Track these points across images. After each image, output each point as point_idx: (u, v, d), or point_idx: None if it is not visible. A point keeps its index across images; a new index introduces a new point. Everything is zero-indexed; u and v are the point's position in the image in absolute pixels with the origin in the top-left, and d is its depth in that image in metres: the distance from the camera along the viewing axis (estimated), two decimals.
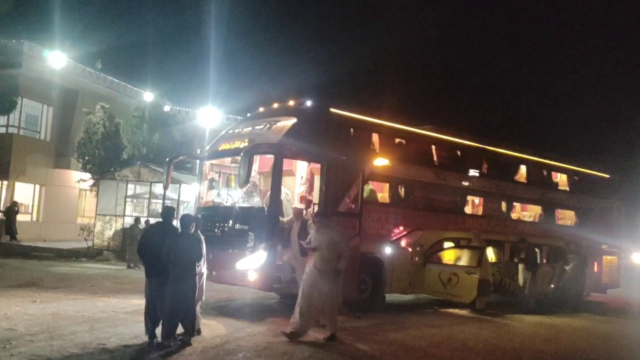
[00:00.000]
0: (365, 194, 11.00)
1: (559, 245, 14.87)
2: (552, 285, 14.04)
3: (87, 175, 23.91)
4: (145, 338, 7.42)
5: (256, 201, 10.68)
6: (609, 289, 16.62)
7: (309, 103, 10.97)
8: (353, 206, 10.67)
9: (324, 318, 8.21)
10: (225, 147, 11.09)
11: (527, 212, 15.74)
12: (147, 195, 21.79)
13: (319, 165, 10.78)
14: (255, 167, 11.06)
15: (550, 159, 15.87)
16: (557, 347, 9.00)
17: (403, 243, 11.86)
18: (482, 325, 10.54)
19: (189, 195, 20.16)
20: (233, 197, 10.86)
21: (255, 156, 10.39)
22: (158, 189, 20.99)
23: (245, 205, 10.51)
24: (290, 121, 10.46)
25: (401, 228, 11.83)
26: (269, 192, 10.49)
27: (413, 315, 11.18)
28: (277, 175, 9.97)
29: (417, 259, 12.13)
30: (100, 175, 22.69)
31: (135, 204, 22.97)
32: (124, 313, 9.31)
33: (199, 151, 21.69)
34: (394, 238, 11.68)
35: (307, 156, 10.53)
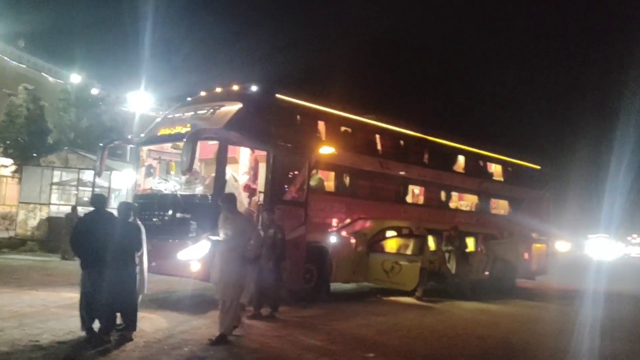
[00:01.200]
0: (311, 183, 10.84)
1: (493, 233, 15.36)
2: (487, 272, 14.49)
3: (9, 161, 22.38)
4: (81, 333, 6.95)
5: (198, 189, 10.27)
6: (537, 275, 17.36)
7: (254, 88, 10.66)
8: (299, 195, 10.50)
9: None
10: (165, 132, 10.59)
11: (464, 202, 16.14)
12: (75, 183, 20.65)
13: (264, 153, 10.52)
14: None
15: (486, 150, 16.32)
16: (496, 331, 9.25)
17: (347, 232, 11.83)
18: (424, 312, 10.71)
19: (121, 183, 19.27)
20: (173, 184, 10.41)
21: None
22: (87, 176, 19.98)
23: (186, 193, 10.09)
24: (236, 106, 10.11)
25: (346, 217, 11.79)
26: (208, 179, 10.15)
27: (358, 304, 11.20)
28: (221, 162, 9.61)
29: (360, 247, 12.15)
30: (24, 161, 21.29)
31: (61, 191, 21.72)
32: (55, 307, 8.72)
33: (130, 136, 20.90)
34: (339, 227, 11.63)
35: (253, 143, 10.23)
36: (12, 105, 22.33)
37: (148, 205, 10.42)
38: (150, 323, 8.07)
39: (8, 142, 22.05)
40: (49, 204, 19.75)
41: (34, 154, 21.83)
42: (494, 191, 16.36)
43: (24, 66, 25.96)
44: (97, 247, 6.89)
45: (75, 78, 25.55)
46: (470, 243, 14.82)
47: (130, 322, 7.10)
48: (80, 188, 20.18)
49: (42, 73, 27.05)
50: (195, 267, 9.33)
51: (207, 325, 8.10)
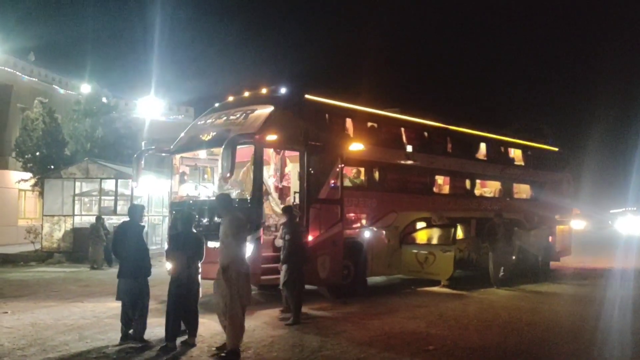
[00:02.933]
0: (344, 179, 10.98)
1: (519, 218, 15.47)
2: (513, 257, 14.55)
3: (28, 175, 22.53)
4: (146, 342, 7.14)
5: (235, 193, 10.40)
6: (562, 256, 17.47)
7: (284, 90, 10.77)
8: (334, 192, 10.63)
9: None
10: (199, 139, 10.71)
11: (487, 189, 16.24)
12: (96, 193, 20.80)
13: (294, 154, 10.66)
14: None
15: (506, 136, 16.42)
16: (542, 317, 9.37)
17: (380, 226, 11.97)
18: (464, 301, 10.84)
19: (142, 191, 19.40)
20: (210, 190, 10.57)
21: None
22: (108, 185, 20.10)
23: None
24: (267, 109, 10.23)
25: (378, 211, 11.93)
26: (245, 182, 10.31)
27: (396, 297, 11.33)
28: (258, 165, 9.76)
29: (393, 240, 12.29)
30: (43, 174, 21.43)
31: (82, 202, 21.88)
32: (106, 317, 8.88)
33: (141, 143, 20.98)
34: (372, 221, 11.77)
35: (287, 144, 10.37)
36: (28, 119, 22.45)
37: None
38: (205, 327, 8.16)
39: (27, 156, 22.17)
40: (73, 215, 19.91)
41: (52, 167, 21.95)
42: (516, 176, 16.45)
43: (36, 79, 26.02)
44: (130, 257, 7.27)
45: (86, 88, 25.63)
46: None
47: (192, 328, 7.27)
48: (103, 197, 20.31)
49: (53, 85, 27.11)
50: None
51: (260, 327, 8.26)
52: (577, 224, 48.48)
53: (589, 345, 7.35)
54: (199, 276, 7.40)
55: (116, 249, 7.55)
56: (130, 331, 7.32)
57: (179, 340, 7.18)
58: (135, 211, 7.71)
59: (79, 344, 7.14)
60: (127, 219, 7.77)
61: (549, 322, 8.87)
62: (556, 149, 18.21)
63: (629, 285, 13.11)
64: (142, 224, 7.96)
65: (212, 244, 9.71)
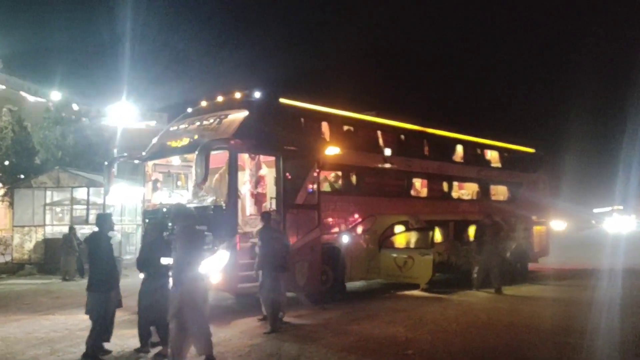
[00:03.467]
0: (321, 184, 10.85)
1: (497, 220, 15.48)
2: (507, 256, 14.44)
3: None
4: (117, 355, 6.91)
5: (210, 200, 10.19)
6: (540, 257, 17.57)
7: (258, 94, 10.61)
8: (311, 197, 10.49)
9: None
10: (172, 145, 10.48)
11: (464, 191, 16.27)
12: (68, 202, 20.29)
13: (271, 158, 10.51)
14: None
15: (483, 138, 16.48)
16: (521, 317, 9.36)
17: (358, 230, 11.87)
18: (444, 304, 10.77)
19: (115, 200, 18.98)
20: (183, 197, 10.34)
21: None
22: (80, 194, 19.63)
23: (199, 204, 10.00)
24: (242, 114, 10.07)
25: (356, 215, 11.84)
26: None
27: (375, 302, 11.23)
28: (233, 171, 9.57)
29: (372, 245, 12.20)
30: (12, 183, 20.86)
31: (54, 212, 21.33)
32: (79, 330, 8.55)
33: (113, 151, 20.57)
34: (350, 226, 11.66)
35: (262, 149, 10.21)
36: None
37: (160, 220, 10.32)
38: None
39: None
40: (44, 225, 19.39)
41: (22, 176, 21.39)
42: (493, 178, 16.52)
43: (4, 87, 25.38)
44: (101, 269, 7.07)
45: (56, 95, 25.11)
46: (473, 231, 14.90)
47: (164, 337, 7.04)
48: (74, 207, 19.82)
49: (22, 93, 26.49)
50: (216, 278, 9.26)
51: (237, 336, 8.07)
52: (558, 225, 48.64)
53: (566, 345, 7.32)
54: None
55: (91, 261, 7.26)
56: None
57: (152, 351, 6.98)
58: (104, 221, 7.43)
59: (50, 358, 6.92)
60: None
61: (528, 323, 8.84)
62: (532, 150, 18.35)
63: (607, 285, 13.26)
64: (113, 232, 7.73)
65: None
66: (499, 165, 16.86)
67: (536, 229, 17.25)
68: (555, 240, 20.27)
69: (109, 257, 7.25)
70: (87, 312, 7.09)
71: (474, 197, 15.95)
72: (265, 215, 8.96)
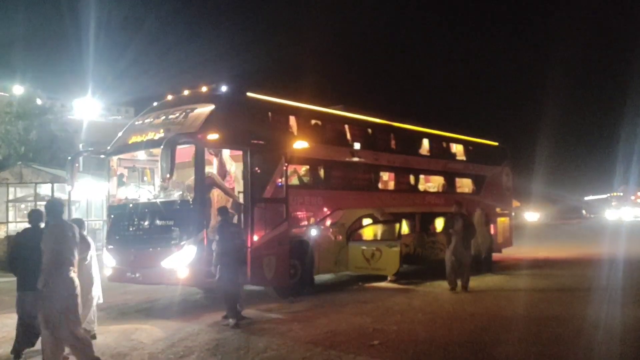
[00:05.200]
0: (289, 178, 10.89)
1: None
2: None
3: None
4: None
5: (177, 194, 10.14)
6: (504, 248, 18.02)
7: (224, 88, 10.57)
8: (279, 191, 10.51)
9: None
10: (137, 140, 10.35)
11: (430, 184, 16.53)
12: (32, 198, 19.86)
13: (238, 153, 10.49)
14: None
15: (448, 131, 16.77)
16: (484, 306, 9.63)
17: (326, 224, 11.97)
18: (410, 295, 10.97)
19: (80, 195, 18.70)
20: (150, 192, 10.26)
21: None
22: (44, 190, 19.27)
23: (166, 199, 9.94)
24: (208, 108, 10.00)
25: (324, 209, 11.93)
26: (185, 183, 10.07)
27: (344, 294, 11.37)
28: (200, 165, 9.52)
29: (340, 237, 12.31)
30: None
31: (17, 208, 20.89)
32: None
33: (78, 146, 20.14)
34: (318, 220, 11.75)
35: (229, 144, 10.17)
36: None
37: (125, 215, 10.23)
38: (147, 334, 7.98)
39: None
40: (7, 222, 18.96)
41: None
42: (458, 170, 16.83)
43: None
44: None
45: (19, 89, 24.44)
46: (440, 223, 15.15)
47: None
48: (38, 203, 19.40)
49: None
50: (183, 273, 9.24)
51: (205, 331, 8.09)
52: (531, 216, 48.36)
53: (528, 331, 7.57)
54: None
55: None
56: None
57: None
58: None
59: (11, 357, 6.78)
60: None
61: (490, 312, 9.11)
62: (496, 144, 18.75)
63: (568, 274, 13.74)
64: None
65: (151, 248, 9.56)
66: (463, 158, 17.18)
67: (500, 220, 17.69)
68: (527, 232, 20.81)
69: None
70: (18, 312, 6.83)
71: (440, 190, 16.23)
72: (222, 210, 8.93)
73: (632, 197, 54.73)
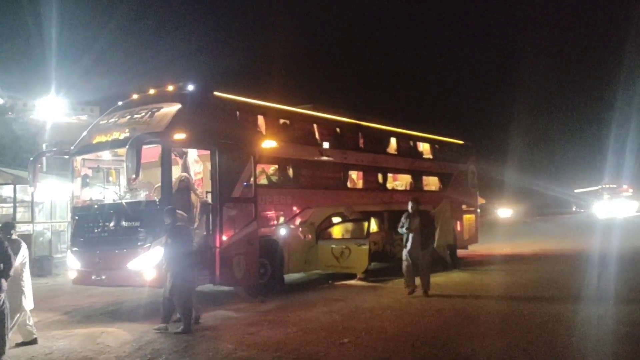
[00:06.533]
0: (257, 177, 10.86)
1: (427, 209, 16.00)
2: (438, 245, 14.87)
3: None
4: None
5: (142, 195, 10.00)
6: (469, 244, 18.34)
7: (191, 87, 10.46)
8: (247, 191, 10.47)
9: None
10: (101, 140, 10.16)
11: (398, 182, 16.71)
12: None
13: (205, 152, 10.42)
14: None
15: (415, 131, 16.97)
16: (452, 302, 9.80)
17: (296, 223, 11.98)
18: (379, 292, 11.08)
19: (44, 196, 18.20)
20: (115, 193, 10.10)
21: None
22: (6, 191, 18.71)
23: (132, 200, 9.79)
24: (174, 107, 9.89)
25: (293, 208, 11.94)
26: (156, 185, 9.93)
27: (313, 292, 11.41)
28: (166, 166, 9.40)
29: (309, 236, 12.34)
30: None
31: None
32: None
33: (42, 146, 19.67)
34: (287, 219, 11.75)
35: (196, 143, 10.09)
36: None
37: (90, 216, 10.05)
38: (113, 337, 7.86)
39: None
40: None
41: None
42: (425, 169, 17.05)
43: None
44: None
45: None
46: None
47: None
48: (1, 205, 18.87)
49: None
50: (150, 275, 9.11)
51: (172, 333, 7.98)
52: (504, 212, 46.96)
53: (491, 326, 7.74)
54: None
55: None
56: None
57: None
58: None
59: None
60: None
61: (457, 308, 9.27)
62: (461, 142, 19.06)
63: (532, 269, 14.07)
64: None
65: (116, 250, 9.40)
66: (430, 156, 17.42)
67: (465, 217, 17.99)
68: (498, 228, 21.13)
69: None
70: None
71: (408, 188, 16.41)
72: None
73: (624, 187, 49.22)
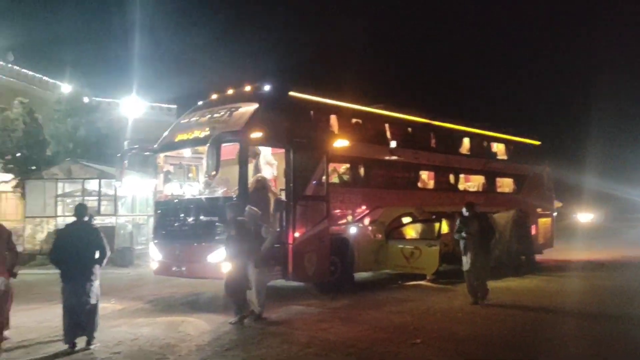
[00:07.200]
0: (329, 176, 11.03)
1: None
2: (497, 251, 14.61)
3: (9, 176, 22.20)
4: (131, 343, 7.12)
5: (221, 191, 10.39)
6: (545, 249, 17.68)
7: (267, 87, 10.78)
8: (320, 189, 10.66)
9: None
10: (183, 138, 10.68)
11: (470, 183, 16.40)
12: (79, 194, 20.56)
13: (279, 151, 10.69)
14: None
15: (489, 130, 16.59)
16: (523, 307, 9.54)
17: (366, 222, 12.05)
18: (450, 294, 10.95)
19: (127, 191, 19.22)
20: (195, 188, 10.57)
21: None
22: (91, 185, 19.91)
23: (211, 196, 10.21)
24: (252, 106, 10.24)
25: (364, 207, 12.02)
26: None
27: (383, 292, 11.42)
28: (243, 163, 9.76)
29: (379, 236, 12.38)
30: (24, 175, 21.15)
31: (65, 203, 21.61)
32: None
33: (124, 143, 20.73)
34: (358, 218, 11.84)
35: (272, 142, 10.39)
36: (7, 119, 22.12)
37: (172, 210, 10.57)
38: (193, 327, 8.24)
39: (7, 157, 21.86)
40: (55, 216, 19.67)
41: (34, 167, 21.68)
42: (499, 170, 16.63)
43: (15, 80, 25.62)
44: (77, 259, 6.99)
45: (67, 88, 25.33)
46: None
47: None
48: (86, 198, 20.08)
49: (33, 85, 26.73)
50: (227, 268, 9.46)
51: (249, 325, 8.26)
52: (584, 217, 44.72)
53: (569, 331, 7.50)
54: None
55: (57, 254, 7.18)
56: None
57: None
58: (82, 211, 7.33)
59: (60, 346, 7.07)
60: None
61: (530, 312, 9.04)
62: (537, 143, 18.44)
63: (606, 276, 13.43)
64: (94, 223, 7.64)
65: (196, 243, 9.84)
66: (504, 157, 16.98)
67: (541, 221, 17.39)
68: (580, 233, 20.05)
69: (85, 247, 7.12)
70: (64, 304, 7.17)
71: (480, 189, 16.09)
72: (232, 207, 8.74)
73: None
